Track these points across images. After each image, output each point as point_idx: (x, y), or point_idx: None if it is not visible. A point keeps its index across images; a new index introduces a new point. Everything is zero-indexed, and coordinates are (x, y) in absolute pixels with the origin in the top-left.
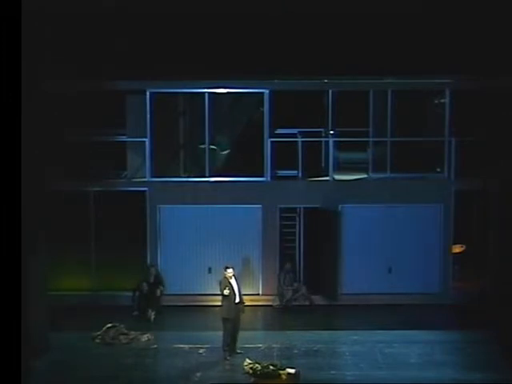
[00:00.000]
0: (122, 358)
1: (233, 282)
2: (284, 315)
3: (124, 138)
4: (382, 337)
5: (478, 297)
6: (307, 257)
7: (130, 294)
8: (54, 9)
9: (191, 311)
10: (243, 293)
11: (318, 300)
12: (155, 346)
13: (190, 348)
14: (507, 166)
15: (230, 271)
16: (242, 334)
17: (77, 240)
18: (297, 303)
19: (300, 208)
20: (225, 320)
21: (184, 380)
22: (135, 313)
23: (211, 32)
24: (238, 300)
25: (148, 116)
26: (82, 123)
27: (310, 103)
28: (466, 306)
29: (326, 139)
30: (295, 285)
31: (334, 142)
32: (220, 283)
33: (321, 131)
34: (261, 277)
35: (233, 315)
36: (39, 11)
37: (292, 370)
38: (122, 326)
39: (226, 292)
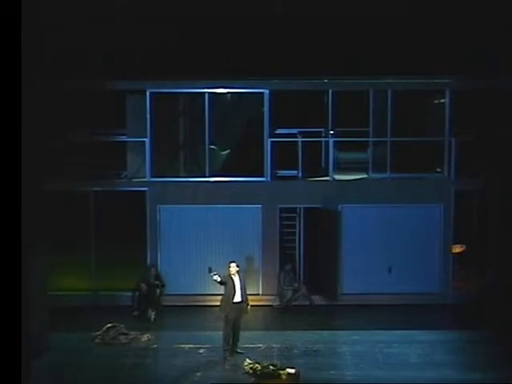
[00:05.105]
0: (121, 358)
1: (235, 278)
2: (284, 315)
3: (124, 138)
4: (381, 337)
5: (477, 297)
6: (307, 257)
7: (130, 293)
8: (55, 8)
9: (191, 311)
10: None
11: (318, 300)
12: (155, 346)
13: (190, 348)
14: (507, 166)
15: (232, 265)
16: (242, 334)
17: (77, 240)
18: (297, 303)
19: (300, 208)
20: (224, 318)
21: (184, 380)
22: (135, 313)
23: (211, 32)
24: (238, 299)
25: (148, 116)
26: (81, 123)
27: (310, 103)
28: (465, 306)
29: (326, 139)
30: (295, 285)
31: (334, 141)
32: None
33: (321, 131)
34: (261, 277)
35: (231, 313)
36: (39, 11)
37: (292, 370)
38: (122, 325)
39: (216, 278)
